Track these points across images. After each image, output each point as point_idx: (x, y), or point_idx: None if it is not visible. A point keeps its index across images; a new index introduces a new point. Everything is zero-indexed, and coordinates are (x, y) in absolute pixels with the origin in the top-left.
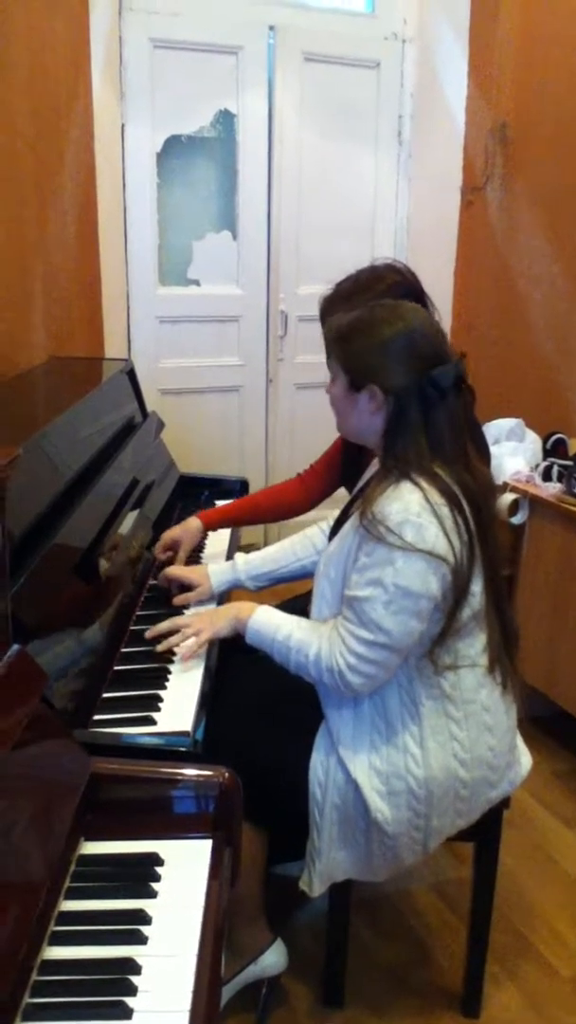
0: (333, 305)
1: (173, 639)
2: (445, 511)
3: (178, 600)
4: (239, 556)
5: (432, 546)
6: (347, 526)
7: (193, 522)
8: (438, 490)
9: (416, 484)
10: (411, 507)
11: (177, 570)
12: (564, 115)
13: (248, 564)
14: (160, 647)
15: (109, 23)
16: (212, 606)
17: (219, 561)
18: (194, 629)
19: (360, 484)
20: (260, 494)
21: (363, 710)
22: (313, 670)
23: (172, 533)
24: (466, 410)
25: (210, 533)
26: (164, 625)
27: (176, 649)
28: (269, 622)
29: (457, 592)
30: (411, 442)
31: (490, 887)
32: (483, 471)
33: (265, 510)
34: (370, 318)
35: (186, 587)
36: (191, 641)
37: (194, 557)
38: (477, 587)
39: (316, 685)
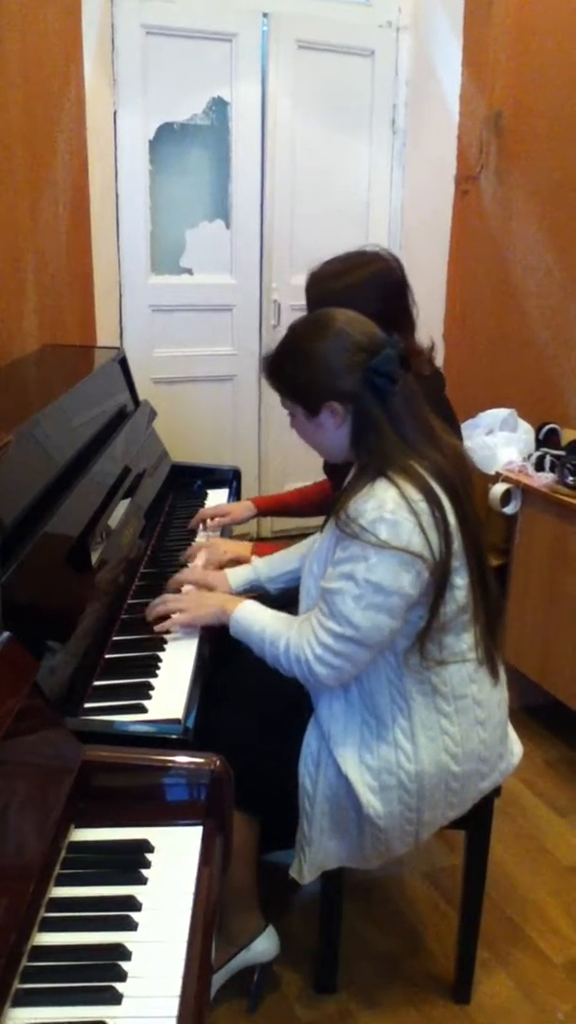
0: (321, 282)
1: (159, 609)
2: (423, 507)
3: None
4: (256, 559)
5: (407, 543)
6: (328, 524)
7: (245, 502)
8: (415, 486)
9: (392, 481)
10: (386, 504)
11: (195, 574)
12: (559, 104)
13: (267, 564)
14: (148, 616)
15: (101, 9)
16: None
17: None
18: (182, 605)
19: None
20: (313, 486)
21: (353, 705)
22: (283, 660)
23: (225, 505)
24: (428, 384)
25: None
26: (157, 602)
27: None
28: (250, 616)
29: (437, 587)
30: (379, 436)
31: (481, 875)
32: (452, 443)
33: (313, 501)
34: (296, 342)
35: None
36: (170, 620)
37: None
38: (462, 580)
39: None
